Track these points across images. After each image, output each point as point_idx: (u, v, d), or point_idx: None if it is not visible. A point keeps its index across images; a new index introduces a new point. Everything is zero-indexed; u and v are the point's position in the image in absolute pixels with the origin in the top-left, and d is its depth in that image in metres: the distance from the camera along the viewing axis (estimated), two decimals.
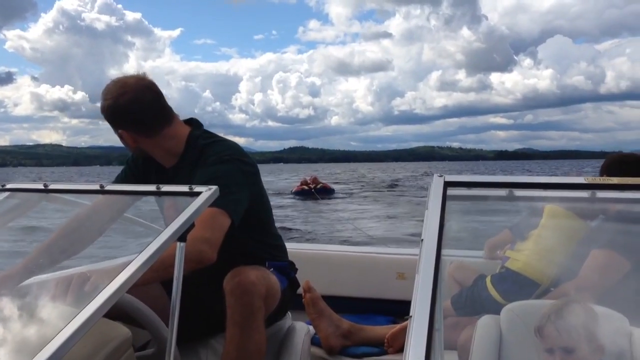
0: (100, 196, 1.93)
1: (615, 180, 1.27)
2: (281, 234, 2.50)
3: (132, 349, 1.45)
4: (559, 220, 2.60)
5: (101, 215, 2.07)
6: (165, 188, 1.64)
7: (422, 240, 1.18)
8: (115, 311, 1.56)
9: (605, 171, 2.59)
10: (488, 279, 2.64)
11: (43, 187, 1.84)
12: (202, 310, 2.15)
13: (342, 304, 3.13)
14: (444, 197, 1.28)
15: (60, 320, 1.14)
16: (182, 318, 1.45)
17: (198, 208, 1.49)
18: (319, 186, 31.36)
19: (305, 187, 31.27)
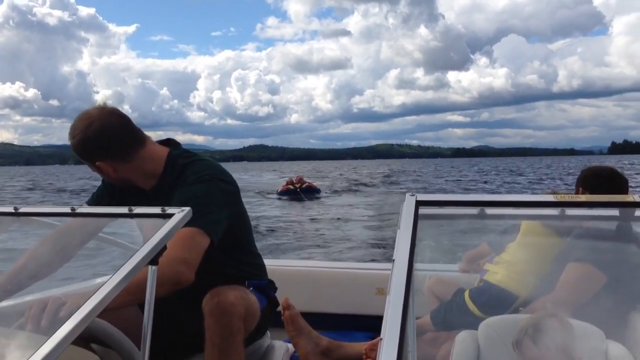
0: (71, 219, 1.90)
1: (583, 197, 1.28)
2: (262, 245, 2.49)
3: None
4: (536, 237, 2.63)
5: (72, 238, 2.04)
6: (138, 210, 1.62)
7: (394, 260, 1.18)
8: (86, 334, 1.53)
9: (581, 184, 2.63)
10: (466, 293, 2.65)
11: (13, 210, 1.81)
12: (180, 331, 2.13)
13: (322, 321, 3.11)
14: (416, 216, 1.29)
15: (27, 347, 1.12)
16: (158, 339, 1.43)
17: (170, 230, 1.48)
18: (304, 186, 31.09)
19: (291, 187, 31.00)
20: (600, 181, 2.57)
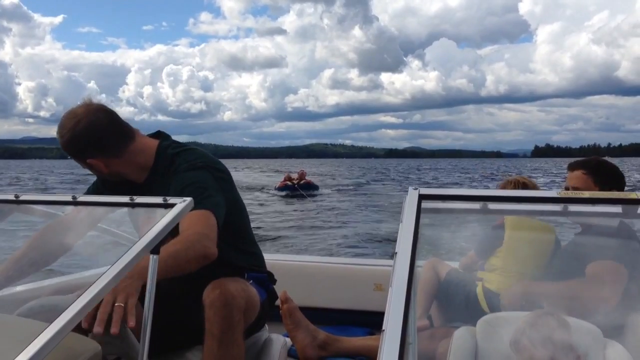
0: (72, 207, 1.90)
1: (587, 194, 1.28)
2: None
3: None
4: (526, 232, 2.63)
5: (73, 227, 2.04)
6: (139, 199, 1.62)
7: (396, 253, 1.18)
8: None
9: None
10: (480, 287, 2.64)
11: (14, 198, 1.81)
12: (179, 321, 2.12)
13: (319, 315, 3.11)
14: (419, 210, 1.29)
15: (29, 334, 1.12)
16: (158, 330, 1.43)
17: (172, 219, 1.48)
18: (302, 182, 29.75)
19: (289, 183, 29.86)
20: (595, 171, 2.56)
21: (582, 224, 2.41)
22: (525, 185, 2.70)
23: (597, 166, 2.56)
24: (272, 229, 15.45)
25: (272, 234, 14.53)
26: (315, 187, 31.14)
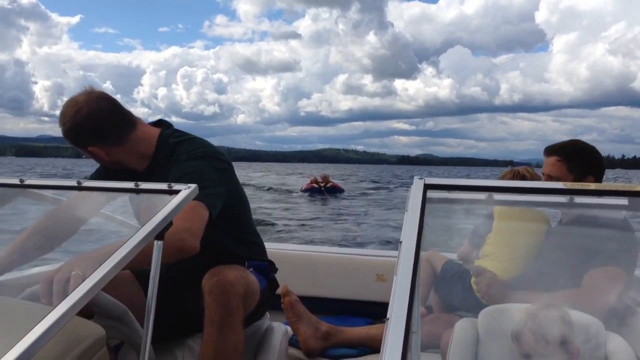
0: (76, 192, 1.90)
1: (593, 186, 1.28)
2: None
3: (105, 348, 1.43)
4: (513, 220, 2.62)
5: (77, 212, 2.04)
6: (144, 185, 1.62)
7: (401, 242, 1.18)
8: (90, 308, 1.53)
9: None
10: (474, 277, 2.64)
11: (19, 182, 1.81)
12: (180, 309, 2.13)
13: (321, 305, 3.11)
14: (424, 200, 1.29)
15: (33, 317, 1.12)
16: (158, 317, 1.43)
17: (177, 206, 1.48)
18: (329, 185, 30.87)
19: (315, 185, 30.90)
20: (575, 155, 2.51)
21: (563, 214, 2.38)
22: (523, 177, 2.66)
23: (573, 152, 2.41)
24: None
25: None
26: (341, 190, 31.76)
